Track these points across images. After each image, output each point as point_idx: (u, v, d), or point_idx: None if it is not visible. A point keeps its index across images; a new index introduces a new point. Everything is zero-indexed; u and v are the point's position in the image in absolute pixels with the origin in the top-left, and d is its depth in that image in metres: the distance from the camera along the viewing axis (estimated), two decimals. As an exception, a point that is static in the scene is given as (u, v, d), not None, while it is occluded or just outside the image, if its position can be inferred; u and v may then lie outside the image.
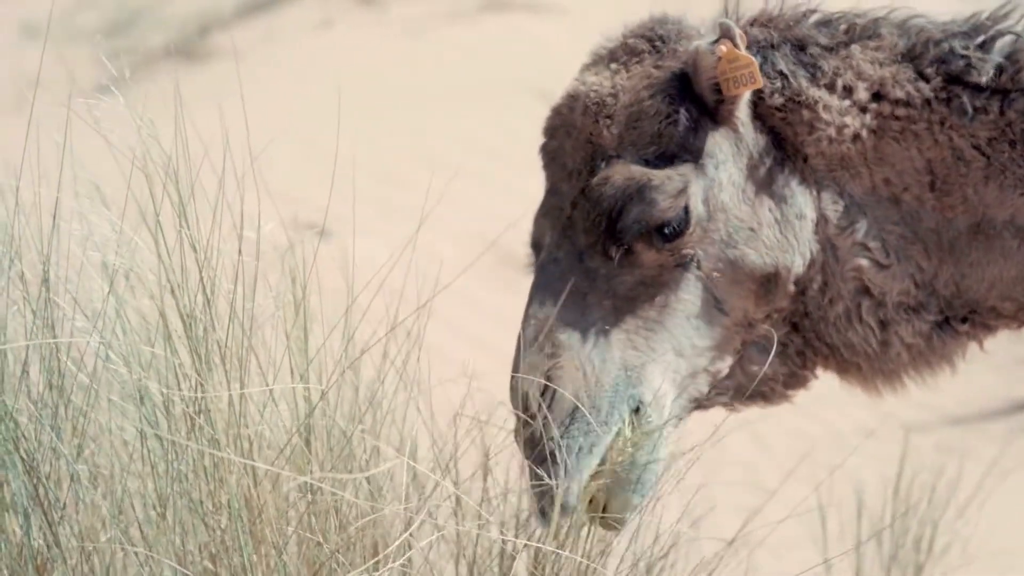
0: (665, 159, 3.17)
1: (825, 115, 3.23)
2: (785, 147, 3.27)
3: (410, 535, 2.88)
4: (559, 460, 2.99)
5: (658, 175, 3.14)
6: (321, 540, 2.80)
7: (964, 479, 5.30)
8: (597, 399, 3.07)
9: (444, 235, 8.92)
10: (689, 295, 3.19)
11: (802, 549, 5.64)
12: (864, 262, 3.27)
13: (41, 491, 2.87)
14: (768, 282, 3.22)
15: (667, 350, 3.16)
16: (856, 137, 3.26)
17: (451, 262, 8.86)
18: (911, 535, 4.80)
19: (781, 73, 3.25)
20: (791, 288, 3.25)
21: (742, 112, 3.24)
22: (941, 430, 7.49)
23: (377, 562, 2.79)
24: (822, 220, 3.26)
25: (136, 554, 2.87)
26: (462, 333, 8.19)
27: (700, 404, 3.27)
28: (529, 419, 3.04)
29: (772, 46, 3.26)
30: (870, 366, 3.31)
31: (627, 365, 3.10)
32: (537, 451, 3.02)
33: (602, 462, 3.06)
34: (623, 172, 3.13)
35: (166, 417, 2.93)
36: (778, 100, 3.24)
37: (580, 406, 3.02)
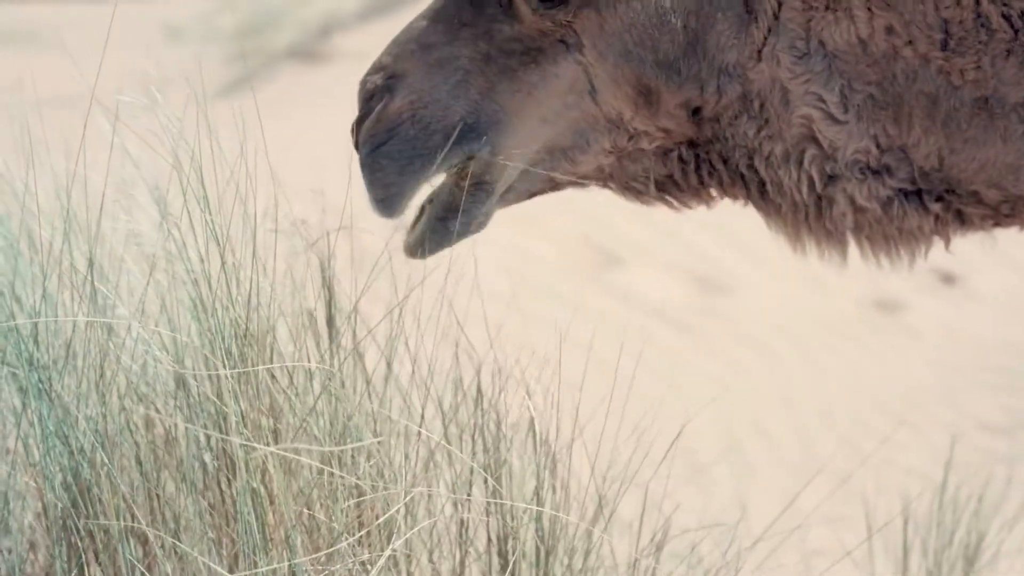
0: None
1: None
2: None
3: (407, 513, 3.01)
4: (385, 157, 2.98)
5: None
6: (327, 519, 2.94)
7: (1013, 487, 5.25)
8: (434, 123, 3.00)
9: (541, 236, 9.02)
10: (564, 73, 3.08)
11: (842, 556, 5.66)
12: (815, 113, 3.11)
13: (83, 473, 3.07)
14: (647, 94, 3.10)
15: (528, 115, 3.08)
16: None
17: (551, 263, 8.99)
18: (957, 544, 4.79)
19: None
20: (679, 112, 3.13)
21: None
22: (988, 437, 7.39)
23: (370, 540, 2.93)
24: (770, 58, 3.11)
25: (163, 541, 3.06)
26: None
27: (552, 187, 3.20)
28: (365, 114, 3.02)
29: None
30: (795, 215, 3.17)
31: (480, 111, 3.03)
32: (371, 140, 3.00)
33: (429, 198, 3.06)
34: None
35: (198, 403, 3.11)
36: None
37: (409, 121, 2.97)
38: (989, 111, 3.03)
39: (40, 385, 3.11)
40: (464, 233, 3.10)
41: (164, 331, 3.17)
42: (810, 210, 3.16)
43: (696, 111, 3.15)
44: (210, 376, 3.02)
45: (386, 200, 3.04)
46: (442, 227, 3.09)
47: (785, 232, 3.21)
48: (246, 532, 2.94)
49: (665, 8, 3.09)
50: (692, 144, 3.19)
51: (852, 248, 3.19)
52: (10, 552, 3.28)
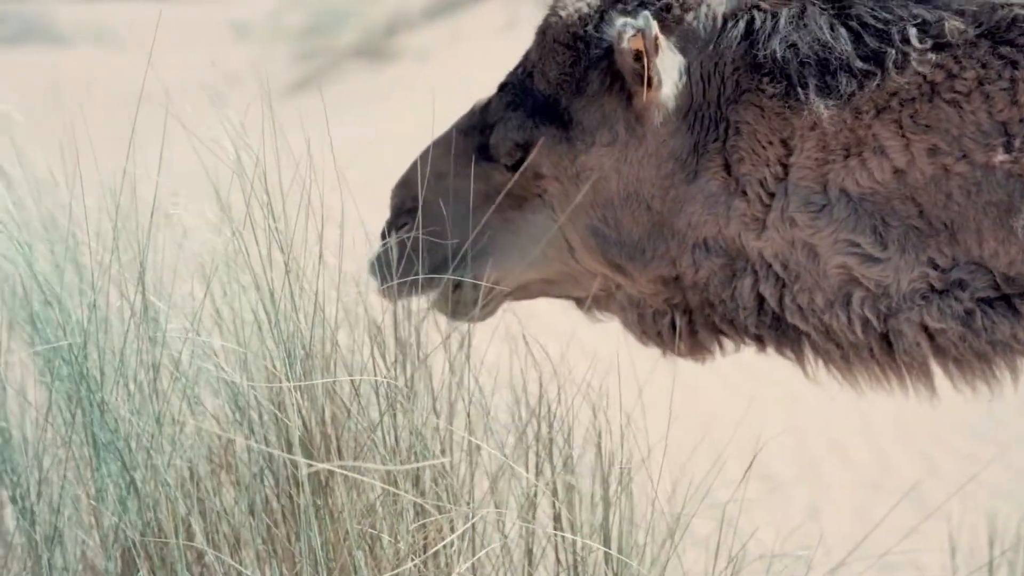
0: (548, 114, 3.08)
1: (831, 113, 2.91)
2: (739, 146, 2.98)
3: (474, 533, 2.89)
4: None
5: (518, 120, 3.09)
6: (392, 539, 2.82)
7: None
8: (434, 253, 3.14)
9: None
10: (543, 226, 3.15)
11: (921, 571, 5.47)
12: (851, 259, 2.95)
13: (138, 482, 2.96)
14: (616, 268, 3.11)
15: (511, 255, 3.15)
16: (884, 110, 2.91)
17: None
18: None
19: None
20: (655, 284, 3.10)
21: (668, 103, 2.99)
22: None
23: (436, 561, 2.80)
24: (780, 224, 2.97)
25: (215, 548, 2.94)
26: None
27: (552, 298, 3.28)
28: (392, 223, 3.21)
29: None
30: (857, 355, 3.00)
31: (475, 244, 3.11)
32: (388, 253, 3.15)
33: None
34: (502, 106, 3.13)
35: (257, 416, 2.99)
36: (776, 103, 2.96)
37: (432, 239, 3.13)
38: None
39: (91, 397, 3.01)
40: (473, 320, 3.22)
41: (224, 343, 3.05)
42: (874, 347, 2.98)
43: (672, 280, 3.10)
44: (271, 389, 2.90)
45: (390, 293, 3.18)
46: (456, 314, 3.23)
47: (845, 377, 3.04)
48: (308, 551, 2.81)
49: (628, 192, 3.07)
50: (687, 311, 3.14)
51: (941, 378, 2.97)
52: (64, 569, 3.17)
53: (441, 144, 3.21)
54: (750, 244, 3.01)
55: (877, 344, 2.98)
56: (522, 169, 3.09)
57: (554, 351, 3.23)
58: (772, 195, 2.98)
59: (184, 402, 3.03)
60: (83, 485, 3.12)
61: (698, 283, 3.08)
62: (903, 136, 2.91)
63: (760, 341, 3.11)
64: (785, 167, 2.98)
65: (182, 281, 3.34)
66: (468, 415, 3.06)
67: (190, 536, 2.98)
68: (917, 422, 7.65)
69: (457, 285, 3.17)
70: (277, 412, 2.89)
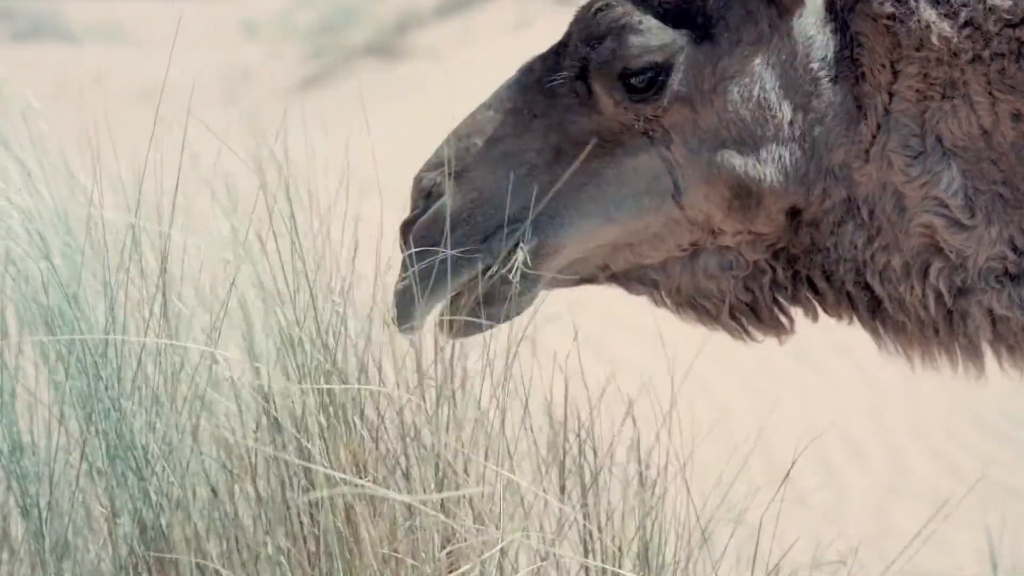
0: (679, 16, 2.76)
1: (941, 28, 2.74)
2: (861, 60, 2.78)
3: (504, 558, 2.80)
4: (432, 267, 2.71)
5: (651, 23, 2.75)
6: (421, 564, 2.73)
7: None
8: (489, 222, 2.74)
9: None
10: (645, 169, 2.79)
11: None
12: (937, 220, 2.77)
13: (152, 496, 2.89)
14: (746, 196, 2.79)
15: (592, 212, 2.78)
16: (977, 59, 2.75)
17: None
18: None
19: None
20: (779, 217, 2.82)
21: (813, 3, 2.76)
22: None
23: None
24: (879, 160, 2.78)
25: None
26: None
27: (606, 276, 2.89)
28: (418, 214, 2.78)
29: None
30: (922, 333, 2.82)
31: (538, 209, 2.74)
32: (423, 241, 2.75)
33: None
34: (625, 7, 2.76)
35: (277, 428, 2.92)
36: (887, 8, 2.76)
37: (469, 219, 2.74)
38: None
39: (108, 405, 2.94)
40: (504, 319, 2.81)
41: (240, 356, 2.97)
42: (940, 326, 2.83)
43: (794, 213, 2.84)
44: (294, 403, 2.81)
45: (413, 310, 2.76)
46: (481, 313, 2.80)
47: (906, 351, 2.86)
48: (331, 573, 2.72)
49: (770, 102, 2.79)
50: (791, 260, 2.86)
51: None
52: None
53: (492, 103, 2.83)
54: (854, 178, 2.81)
55: (943, 323, 2.83)
56: (655, 90, 2.73)
57: (595, 374, 3.10)
58: (879, 127, 2.78)
59: (202, 412, 2.95)
60: (95, 493, 3.05)
61: (817, 218, 2.82)
62: (990, 94, 2.76)
63: (851, 302, 2.86)
64: (891, 96, 2.78)
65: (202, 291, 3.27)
66: (504, 437, 2.93)
67: (204, 554, 2.90)
68: (933, 420, 7.57)
69: (487, 268, 2.73)
70: (297, 433, 2.80)
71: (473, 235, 2.77)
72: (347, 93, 13.38)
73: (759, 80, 2.79)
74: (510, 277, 2.76)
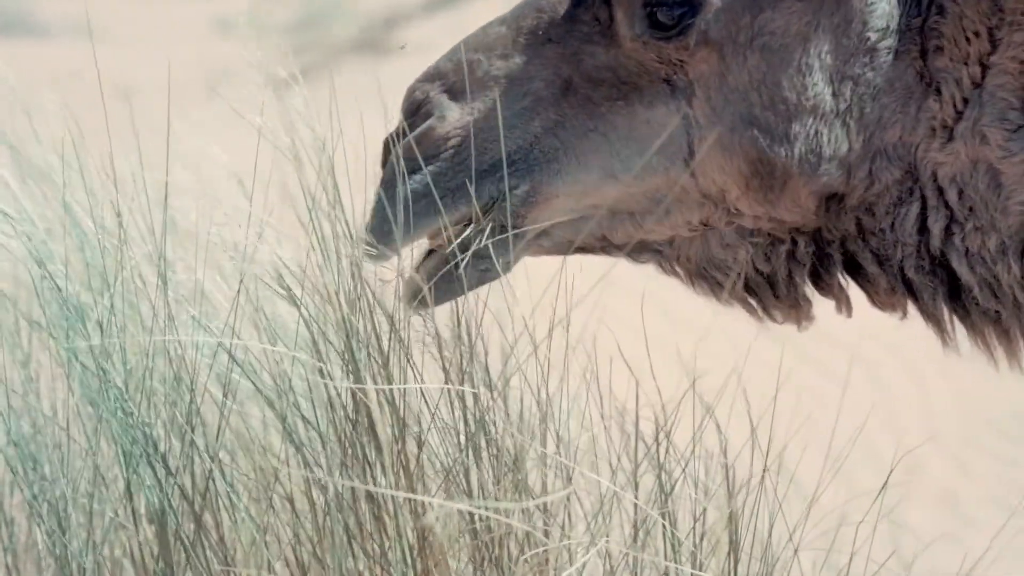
0: None
1: None
2: (940, 30, 2.52)
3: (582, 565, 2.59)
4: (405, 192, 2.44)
5: None
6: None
7: None
8: (482, 156, 2.47)
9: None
10: (660, 124, 2.51)
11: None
12: None
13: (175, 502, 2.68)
14: (768, 176, 2.51)
15: (593, 165, 2.50)
16: None
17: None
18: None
19: None
20: (809, 203, 2.55)
21: None
22: None
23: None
24: (969, 136, 2.54)
25: None
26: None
27: (604, 247, 2.60)
28: (406, 128, 2.52)
29: None
30: (1018, 317, 2.60)
31: (534, 145, 2.48)
32: (404, 163, 2.47)
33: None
34: None
35: (316, 430, 2.71)
36: None
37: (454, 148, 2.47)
38: None
39: (121, 409, 2.73)
40: (481, 281, 2.53)
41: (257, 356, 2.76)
42: None
43: (831, 200, 2.58)
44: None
45: (390, 237, 2.50)
46: (456, 273, 2.52)
47: (987, 344, 2.64)
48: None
49: (813, 69, 2.52)
50: (819, 242, 2.61)
51: None
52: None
53: (507, 19, 2.56)
54: (929, 158, 2.55)
55: None
56: (680, 28, 2.45)
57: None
58: (966, 101, 2.54)
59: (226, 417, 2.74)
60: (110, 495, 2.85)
61: (865, 202, 2.57)
62: None
63: (910, 290, 2.63)
64: (984, 69, 2.54)
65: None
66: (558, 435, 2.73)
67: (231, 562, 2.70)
68: (947, 422, 7.48)
69: (490, 206, 2.46)
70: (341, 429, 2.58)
71: (462, 169, 2.50)
72: (333, 90, 13.19)
73: (804, 43, 2.51)
74: (504, 224, 2.46)
